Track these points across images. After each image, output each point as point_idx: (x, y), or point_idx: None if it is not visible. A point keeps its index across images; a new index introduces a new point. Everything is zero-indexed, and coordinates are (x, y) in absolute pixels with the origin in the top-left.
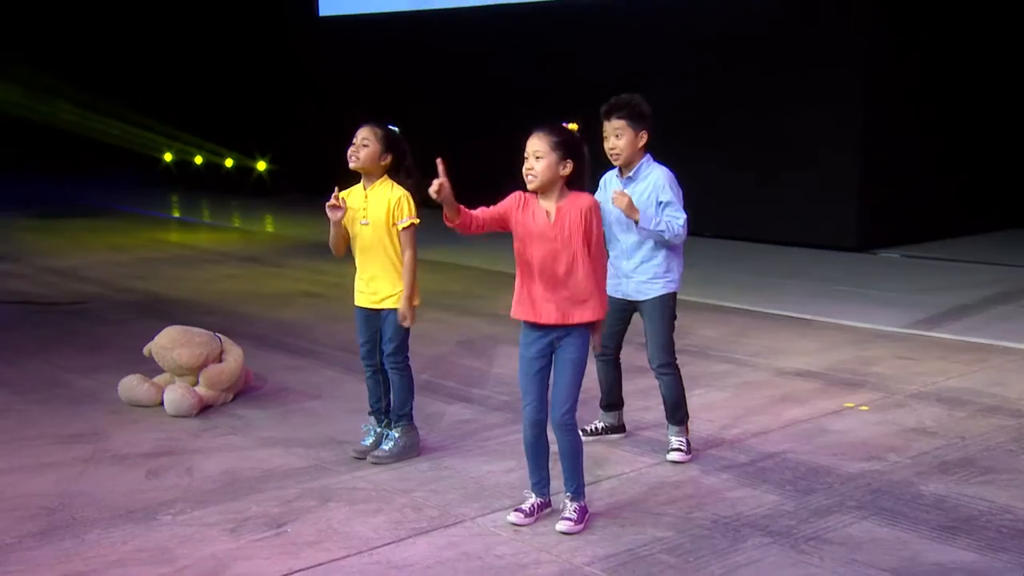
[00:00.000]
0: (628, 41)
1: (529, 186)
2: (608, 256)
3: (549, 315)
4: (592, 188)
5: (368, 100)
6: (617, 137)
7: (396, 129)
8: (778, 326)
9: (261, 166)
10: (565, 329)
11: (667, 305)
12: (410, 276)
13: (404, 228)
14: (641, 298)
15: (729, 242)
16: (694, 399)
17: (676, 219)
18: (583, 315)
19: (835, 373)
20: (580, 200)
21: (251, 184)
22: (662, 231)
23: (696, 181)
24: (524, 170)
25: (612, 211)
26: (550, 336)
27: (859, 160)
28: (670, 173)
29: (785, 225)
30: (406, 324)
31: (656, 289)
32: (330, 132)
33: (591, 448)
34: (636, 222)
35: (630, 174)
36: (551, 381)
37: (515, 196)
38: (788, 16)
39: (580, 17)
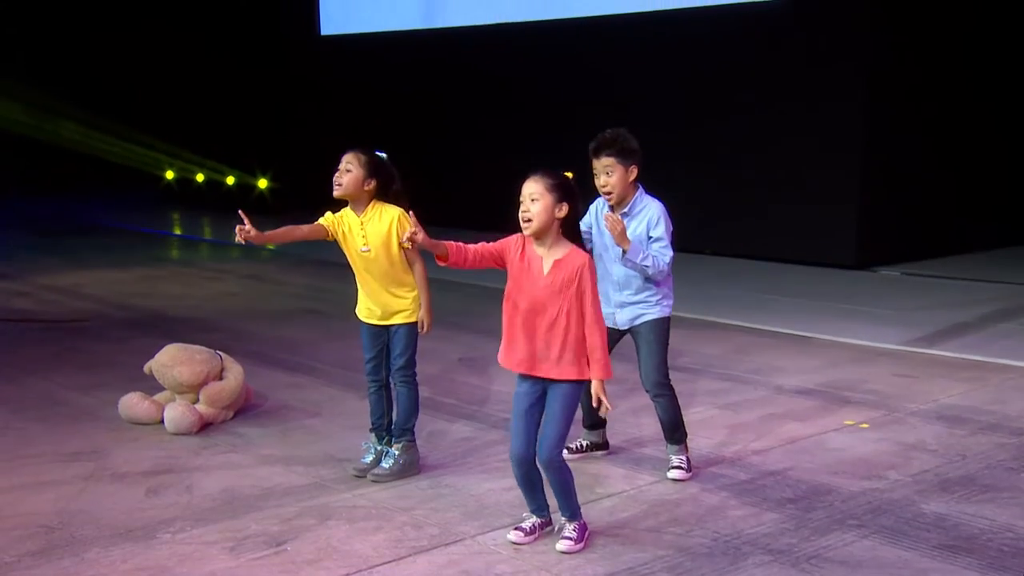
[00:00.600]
0: (623, 56)
1: (526, 230)
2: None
3: (529, 366)
4: (582, 214)
5: (370, 119)
6: (608, 174)
7: (383, 155)
8: (778, 343)
9: (262, 184)
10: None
11: (663, 328)
12: (426, 285)
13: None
14: (633, 324)
15: (729, 260)
16: (693, 416)
17: (663, 256)
18: (562, 372)
19: (835, 390)
20: (577, 257)
21: (252, 202)
22: (647, 266)
23: (696, 198)
24: (520, 213)
25: (607, 238)
26: (538, 382)
27: (858, 177)
28: (663, 207)
29: (785, 243)
30: (425, 332)
31: (653, 313)
32: (332, 150)
33: (589, 466)
34: (624, 251)
35: (624, 210)
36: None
37: (515, 238)
38: (784, 32)
39: (576, 35)
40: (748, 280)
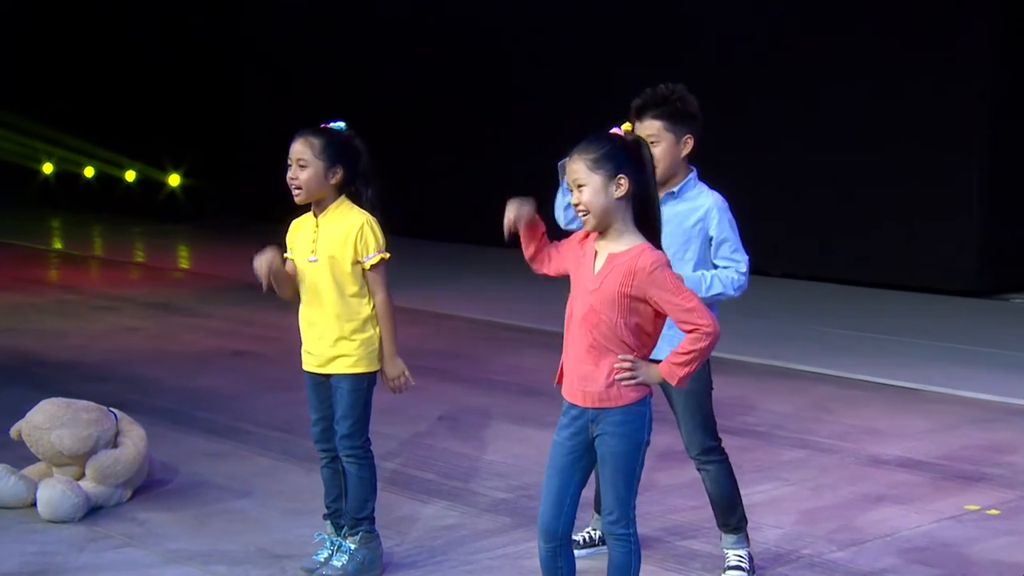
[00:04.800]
0: (672, 27)
1: (587, 227)
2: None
3: (575, 392)
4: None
5: (310, 90)
6: (652, 144)
7: (342, 126)
8: (873, 398)
9: (174, 181)
10: (599, 412)
11: (705, 374)
12: (389, 324)
13: (373, 265)
14: None
15: (806, 284)
16: (757, 496)
17: (737, 265)
18: (619, 398)
19: (952, 463)
20: (641, 256)
21: (160, 204)
22: (719, 294)
23: (761, 204)
24: (574, 207)
25: None
26: (584, 418)
27: (983, 180)
28: (725, 201)
29: (884, 263)
30: (397, 387)
31: None
32: (265, 135)
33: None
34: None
35: (673, 189)
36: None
37: (577, 234)
38: (890, 7)
39: None
40: (832, 312)
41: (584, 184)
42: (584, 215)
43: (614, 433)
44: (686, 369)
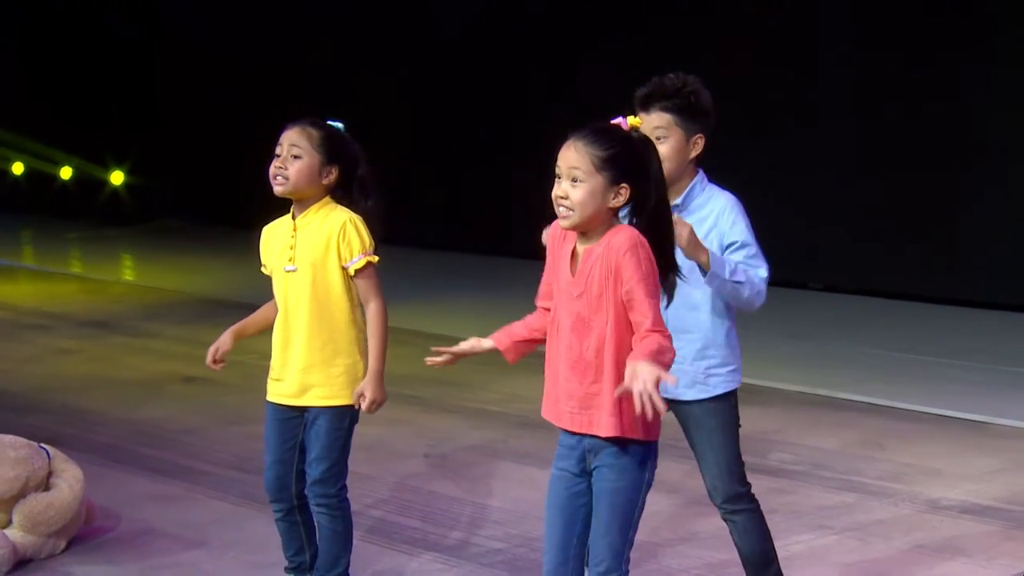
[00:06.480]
0: (682, 17)
1: (563, 223)
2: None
3: (568, 418)
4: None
5: (280, 78)
6: (658, 140)
7: (340, 126)
8: (931, 432)
9: (117, 178)
10: (597, 441)
11: (729, 406)
12: (380, 337)
13: (359, 270)
14: (689, 397)
15: (850, 299)
16: (795, 547)
17: (758, 270)
18: (612, 426)
19: None
20: (616, 239)
21: (100, 206)
22: (740, 283)
23: (801, 206)
24: (554, 196)
25: None
26: (581, 448)
27: None
28: (738, 202)
29: (944, 273)
30: (366, 405)
31: (715, 384)
32: (222, 128)
33: None
34: (704, 268)
35: (676, 201)
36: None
37: (550, 234)
38: None
39: None
40: (884, 332)
41: (581, 180)
42: (567, 212)
43: (613, 466)
44: (667, 357)
